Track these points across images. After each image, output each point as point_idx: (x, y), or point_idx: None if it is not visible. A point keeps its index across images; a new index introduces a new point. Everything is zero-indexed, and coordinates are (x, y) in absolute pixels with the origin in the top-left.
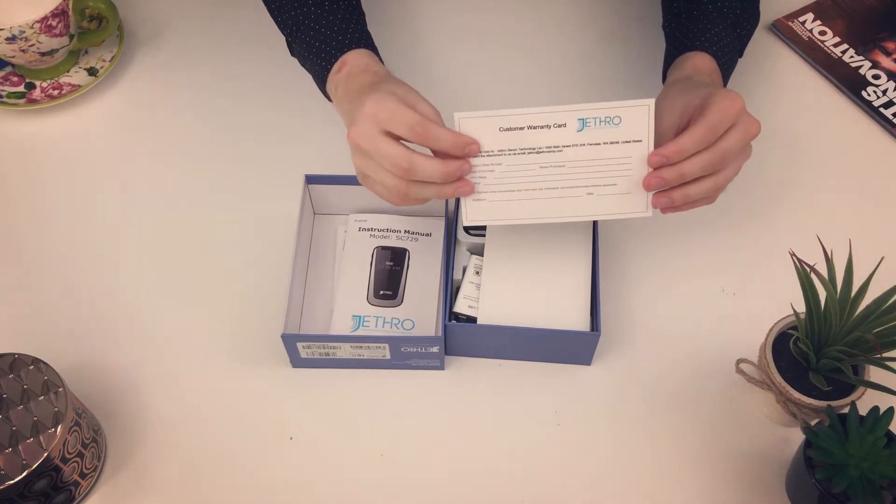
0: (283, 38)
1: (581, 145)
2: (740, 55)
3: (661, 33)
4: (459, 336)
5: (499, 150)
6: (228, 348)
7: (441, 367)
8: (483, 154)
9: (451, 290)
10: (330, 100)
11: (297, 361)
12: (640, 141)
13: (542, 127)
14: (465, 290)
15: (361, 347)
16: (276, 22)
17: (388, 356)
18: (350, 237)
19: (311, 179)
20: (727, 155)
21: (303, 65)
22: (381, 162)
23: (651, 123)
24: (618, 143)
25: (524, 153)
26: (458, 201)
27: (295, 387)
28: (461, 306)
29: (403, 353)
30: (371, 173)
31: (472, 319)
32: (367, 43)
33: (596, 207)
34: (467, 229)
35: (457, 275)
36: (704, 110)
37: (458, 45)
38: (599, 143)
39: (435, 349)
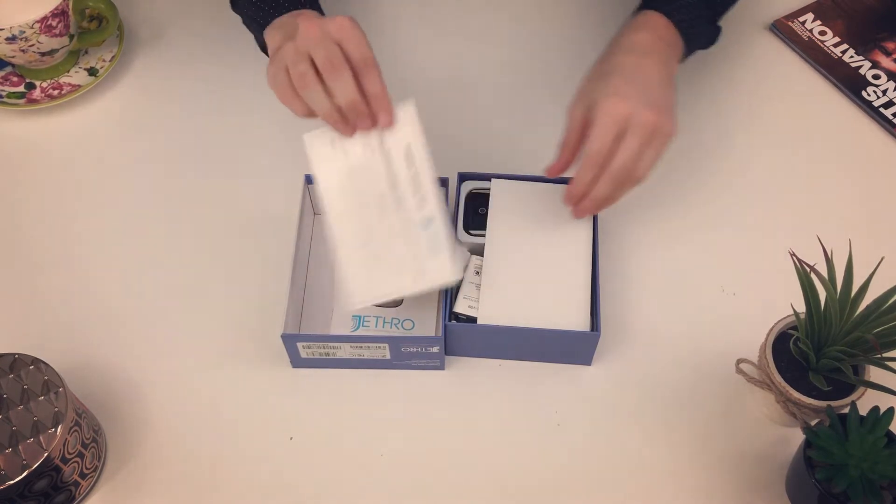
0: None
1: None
2: (712, 22)
3: None
4: (459, 336)
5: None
6: (228, 348)
7: (441, 367)
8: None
9: (451, 290)
10: (264, 47)
11: (298, 361)
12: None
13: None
14: (465, 290)
15: (361, 347)
16: None
17: (388, 356)
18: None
19: (311, 179)
20: (627, 165)
21: (246, 12)
22: (319, 53)
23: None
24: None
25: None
26: (457, 206)
27: (295, 387)
28: (461, 306)
29: (403, 353)
30: (295, 59)
31: (473, 319)
32: (319, 8)
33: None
34: (467, 229)
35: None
36: (589, 135)
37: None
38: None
39: (435, 349)
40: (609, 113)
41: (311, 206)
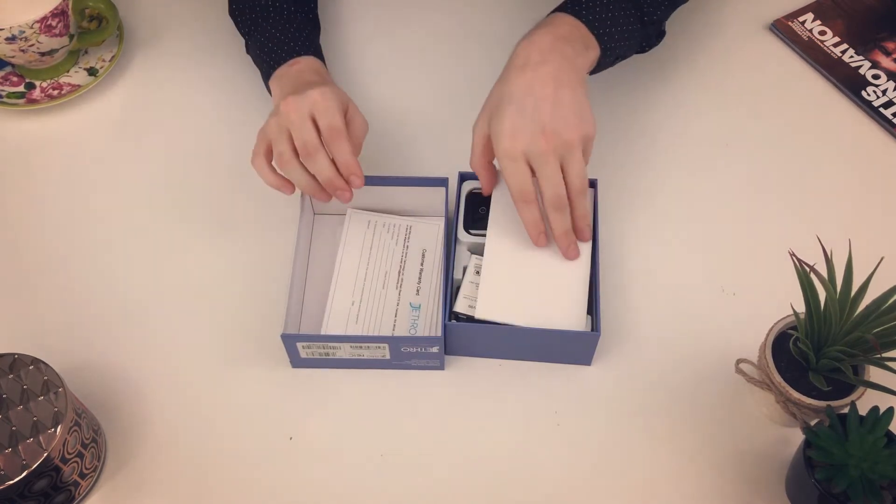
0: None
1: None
2: (641, 21)
3: None
4: (459, 336)
5: None
6: (228, 348)
7: (441, 367)
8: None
9: (451, 290)
10: (271, 93)
11: (297, 361)
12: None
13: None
14: (466, 290)
15: (361, 347)
16: (235, 23)
17: (387, 356)
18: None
19: None
20: (557, 192)
21: (254, 60)
22: (296, 134)
23: None
24: None
25: None
26: (457, 206)
27: (295, 387)
28: (461, 306)
29: (403, 353)
30: (277, 138)
31: (473, 319)
32: (319, 54)
33: None
34: (467, 229)
35: (457, 274)
36: (504, 179)
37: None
38: None
39: (435, 349)
40: (507, 155)
41: (310, 206)
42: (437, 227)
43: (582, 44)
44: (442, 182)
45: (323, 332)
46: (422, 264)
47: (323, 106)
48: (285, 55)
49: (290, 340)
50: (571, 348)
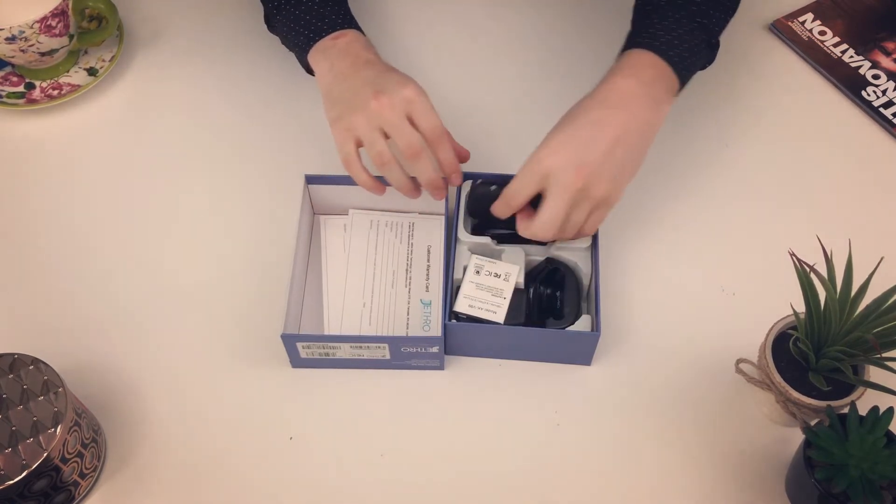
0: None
1: None
2: (710, 46)
3: None
4: (459, 336)
5: None
6: (228, 348)
7: (441, 368)
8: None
9: (451, 290)
10: (309, 69)
11: (297, 361)
12: None
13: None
14: (466, 290)
15: (361, 347)
16: None
17: (387, 356)
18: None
19: (311, 179)
20: (576, 227)
21: (284, 34)
22: (398, 135)
23: None
24: None
25: None
26: (457, 205)
27: (295, 387)
28: (461, 306)
29: (403, 353)
30: (372, 138)
31: (473, 319)
32: (360, 28)
33: None
34: (472, 229)
35: (457, 274)
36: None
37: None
38: None
39: (435, 349)
40: (537, 165)
41: (310, 205)
42: (440, 223)
43: (664, 87)
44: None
45: (334, 333)
46: (428, 261)
47: (422, 107)
48: (327, 27)
49: (289, 340)
50: (571, 348)
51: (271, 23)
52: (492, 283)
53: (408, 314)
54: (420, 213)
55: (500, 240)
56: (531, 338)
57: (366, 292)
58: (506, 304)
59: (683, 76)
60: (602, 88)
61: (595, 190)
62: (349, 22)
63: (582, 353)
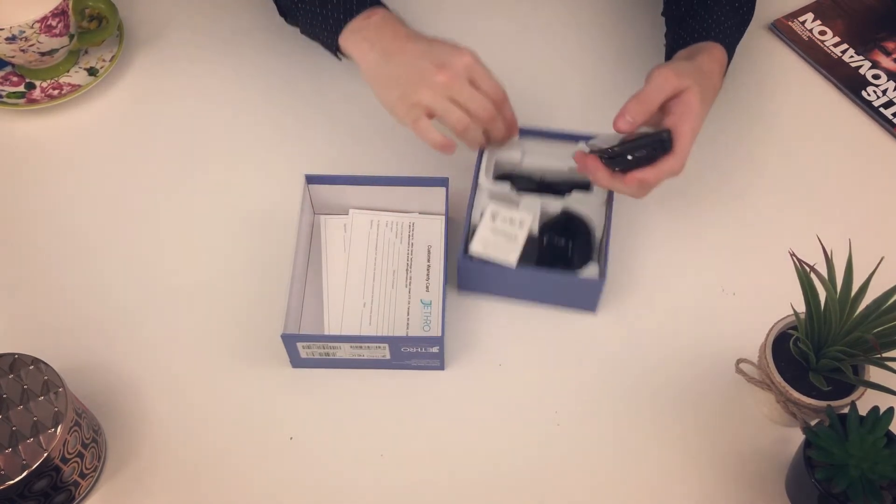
0: (281, 38)
1: None
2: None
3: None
4: (473, 273)
5: None
6: (228, 348)
7: (441, 368)
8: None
9: (468, 232)
10: (337, 53)
11: (297, 361)
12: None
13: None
14: (481, 233)
15: (361, 347)
16: None
17: (388, 356)
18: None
19: (311, 179)
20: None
21: (309, 20)
22: (468, 100)
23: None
24: None
25: None
26: (480, 153)
27: (295, 387)
28: (476, 248)
29: (403, 353)
30: (446, 107)
31: (486, 261)
32: (385, 4)
33: None
34: (498, 176)
35: (475, 219)
36: (682, 134)
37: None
38: None
39: (435, 349)
40: (695, 128)
41: (310, 205)
42: (440, 223)
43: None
44: (442, 182)
45: (334, 333)
46: (428, 260)
47: (480, 71)
48: (356, 6)
49: (290, 340)
50: (577, 294)
51: (290, 13)
52: (506, 229)
53: (408, 314)
54: (420, 213)
55: (520, 188)
56: (539, 280)
57: (366, 292)
58: (519, 248)
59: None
60: (710, 76)
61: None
62: (375, 0)
63: (587, 299)
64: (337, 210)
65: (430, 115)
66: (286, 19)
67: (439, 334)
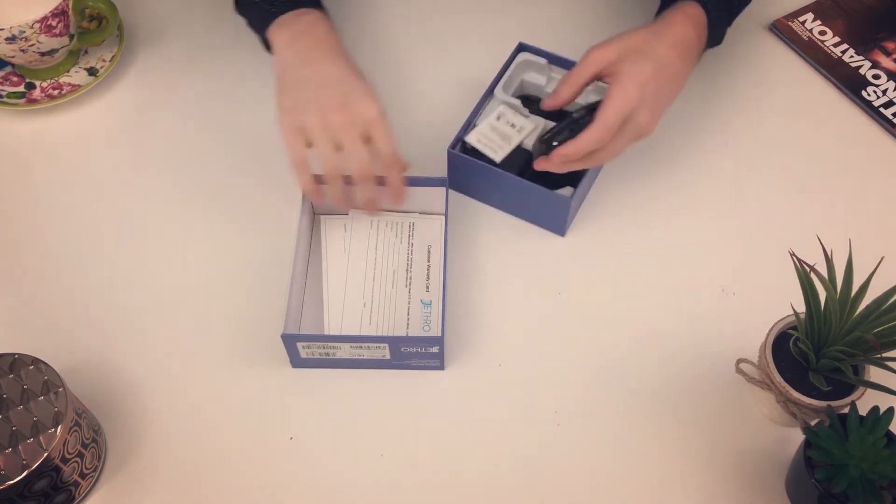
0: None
1: None
2: (728, 24)
3: None
4: (458, 168)
5: None
6: (229, 348)
7: (441, 368)
8: None
9: (466, 127)
10: (266, 44)
11: (297, 361)
12: None
13: None
14: (481, 127)
15: (361, 347)
16: None
17: (387, 356)
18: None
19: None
20: (612, 151)
21: (250, 10)
22: (351, 158)
23: None
24: None
25: None
26: (501, 74)
27: (295, 387)
28: (471, 138)
29: (403, 353)
30: (324, 149)
31: (477, 152)
32: (324, 9)
33: None
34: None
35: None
36: (603, 105)
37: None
38: None
39: (435, 349)
40: (626, 96)
41: (310, 205)
42: (440, 223)
43: (702, 46)
44: (442, 182)
45: (334, 333)
46: (428, 260)
47: (382, 129)
48: (293, 2)
49: (290, 340)
50: (547, 210)
51: (240, 3)
52: (505, 130)
53: (408, 314)
54: (420, 213)
55: (532, 110)
56: (513, 187)
57: (366, 292)
58: (508, 149)
59: (708, 43)
60: (675, 30)
61: (650, 129)
62: (314, 1)
63: (557, 219)
64: (338, 210)
65: (308, 145)
66: (237, 9)
67: (439, 334)
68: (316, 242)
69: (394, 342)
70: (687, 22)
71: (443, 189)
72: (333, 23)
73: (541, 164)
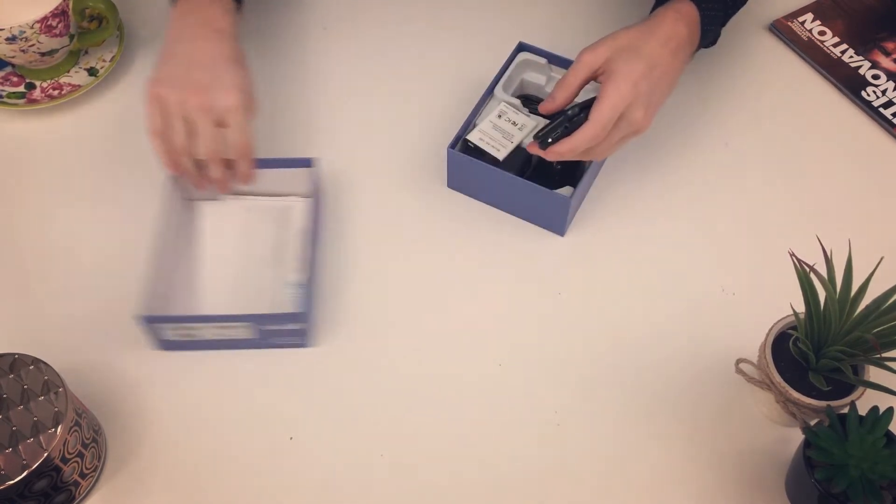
0: (280, 38)
1: None
2: (723, 23)
3: None
4: (458, 168)
5: None
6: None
7: (304, 345)
8: None
9: (465, 128)
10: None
11: (166, 345)
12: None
13: None
14: (483, 126)
15: (225, 328)
16: None
17: (254, 336)
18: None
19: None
20: (607, 149)
21: None
22: (202, 140)
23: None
24: None
25: None
26: (500, 74)
27: (295, 387)
28: (473, 136)
29: (267, 332)
30: (176, 129)
31: (479, 151)
32: None
33: None
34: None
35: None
36: (597, 103)
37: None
38: None
39: (296, 326)
40: (620, 93)
41: (181, 190)
42: (309, 205)
43: (695, 44)
44: (306, 162)
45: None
46: (299, 243)
47: (237, 120)
48: None
49: (150, 322)
50: (547, 209)
51: None
52: (507, 128)
53: (277, 295)
54: (292, 196)
55: (532, 109)
56: (512, 186)
57: (238, 276)
58: (511, 146)
59: (700, 42)
60: (666, 28)
61: (644, 126)
62: None
63: (557, 218)
64: (209, 194)
65: (163, 115)
66: None
67: (305, 311)
68: (189, 229)
69: (257, 320)
70: (679, 19)
71: (309, 170)
72: (241, 9)
73: (534, 149)
